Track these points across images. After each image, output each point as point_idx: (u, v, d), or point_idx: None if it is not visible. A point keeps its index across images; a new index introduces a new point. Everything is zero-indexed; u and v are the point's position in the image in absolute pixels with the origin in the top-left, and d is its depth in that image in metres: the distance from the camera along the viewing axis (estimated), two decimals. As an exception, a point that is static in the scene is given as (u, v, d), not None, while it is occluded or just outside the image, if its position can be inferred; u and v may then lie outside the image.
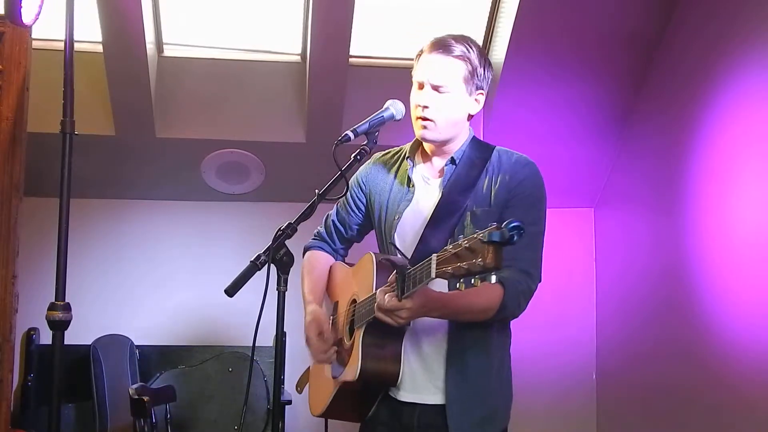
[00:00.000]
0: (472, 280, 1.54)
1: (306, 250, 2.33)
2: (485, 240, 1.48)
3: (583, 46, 3.84)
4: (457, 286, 1.57)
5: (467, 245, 1.53)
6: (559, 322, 4.43)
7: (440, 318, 1.94)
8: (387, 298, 1.79)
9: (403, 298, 1.76)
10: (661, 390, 3.79)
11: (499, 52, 3.91)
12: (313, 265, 2.28)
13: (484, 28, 3.99)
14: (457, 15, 3.99)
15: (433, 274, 1.61)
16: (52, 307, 2.15)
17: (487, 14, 3.94)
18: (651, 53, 3.89)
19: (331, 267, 2.30)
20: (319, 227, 2.34)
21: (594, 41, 3.84)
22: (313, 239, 2.34)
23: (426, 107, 2.00)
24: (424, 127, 2.01)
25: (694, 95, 3.55)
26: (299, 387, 2.40)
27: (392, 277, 1.81)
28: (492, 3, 3.90)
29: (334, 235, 2.31)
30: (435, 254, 1.62)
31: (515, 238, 1.47)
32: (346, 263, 2.32)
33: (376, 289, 1.91)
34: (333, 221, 2.30)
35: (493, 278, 1.53)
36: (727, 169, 3.31)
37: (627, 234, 4.22)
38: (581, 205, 4.51)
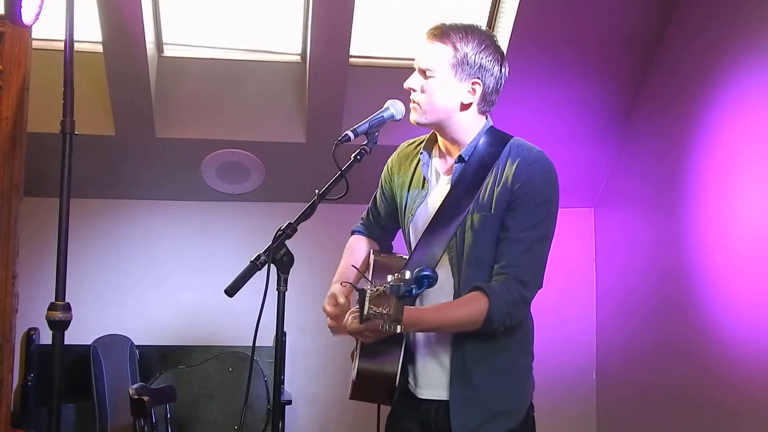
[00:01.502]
0: (388, 326, 1.54)
1: (352, 233, 2.36)
2: (388, 292, 1.49)
3: (583, 46, 3.84)
4: (380, 327, 1.57)
5: (383, 290, 1.53)
6: (559, 322, 4.43)
7: (421, 332, 1.95)
8: (350, 320, 1.82)
9: (363, 321, 1.73)
10: (661, 390, 3.79)
11: (499, 52, 3.91)
12: (351, 249, 2.30)
13: (484, 28, 3.99)
14: (457, 15, 3.98)
15: (365, 311, 1.59)
16: (52, 307, 2.16)
17: (487, 14, 3.94)
18: (651, 53, 3.89)
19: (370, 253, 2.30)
20: (363, 214, 2.37)
21: (594, 41, 3.84)
22: (359, 224, 2.37)
23: (413, 90, 2.02)
24: (413, 110, 2.03)
25: (694, 95, 3.55)
26: (352, 358, 2.40)
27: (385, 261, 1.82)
28: (492, 3, 3.90)
29: (372, 221, 2.33)
30: (370, 289, 1.60)
31: (414, 292, 1.47)
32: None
33: None
34: (370, 208, 2.33)
35: (399, 328, 1.52)
36: (727, 169, 3.31)
37: (627, 234, 4.22)
38: (581, 205, 4.51)
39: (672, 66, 3.79)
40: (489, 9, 3.92)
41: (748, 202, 3.17)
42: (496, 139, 2.04)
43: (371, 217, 2.33)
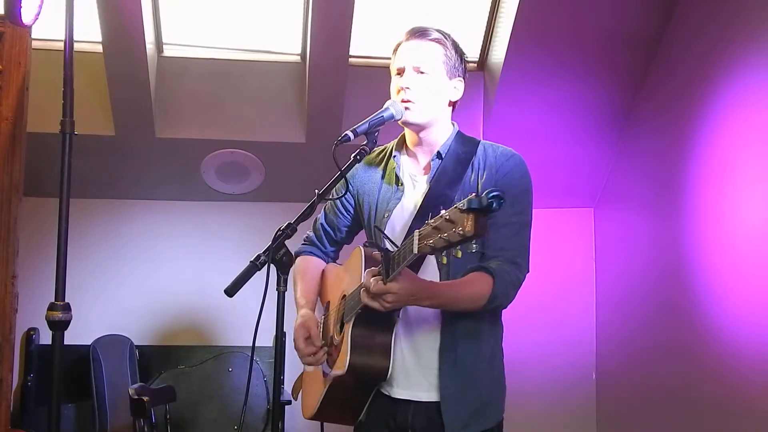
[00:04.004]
0: (453, 252, 1.52)
1: (296, 255, 2.31)
2: (464, 208, 1.47)
3: (583, 47, 3.84)
4: (440, 259, 1.57)
5: (447, 217, 1.52)
6: (559, 322, 4.43)
7: (430, 307, 1.92)
8: (373, 281, 1.77)
9: (389, 281, 1.74)
10: (661, 390, 3.79)
11: (499, 52, 3.91)
12: (305, 269, 2.28)
13: (484, 28, 3.99)
14: (457, 15, 3.99)
15: (415, 250, 1.59)
16: (52, 307, 2.15)
17: (487, 14, 3.94)
18: (651, 53, 3.89)
19: (323, 270, 2.30)
20: (308, 232, 2.35)
21: (594, 41, 3.84)
22: (303, 244, 2.35)
23: (408, 88, 2.02)
24: (407, 109, 2.02)
25: (694, 95, 3.55)
26: (294, 393, 2.39)
27: (378, 255, 1.78)
28: (492, 3, 3.90)
29: (324, 238, 2.31)
30: (417, 230, 1.61)
31: (494, 205, 1.45)
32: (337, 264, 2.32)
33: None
34: (321, 224, 2.30)
35: (474, 246, 1.51)
36: (727, 169, 3.31)
37: (627, 234, 4.22)
38: (581, 205, 4.51)
39: (672, 66, 3.79)
40: (489, 9, 3.93)
41: (748, 202, 3.17)
42: (467, 140, 2.11)
43: (323, 234, 2.30)
